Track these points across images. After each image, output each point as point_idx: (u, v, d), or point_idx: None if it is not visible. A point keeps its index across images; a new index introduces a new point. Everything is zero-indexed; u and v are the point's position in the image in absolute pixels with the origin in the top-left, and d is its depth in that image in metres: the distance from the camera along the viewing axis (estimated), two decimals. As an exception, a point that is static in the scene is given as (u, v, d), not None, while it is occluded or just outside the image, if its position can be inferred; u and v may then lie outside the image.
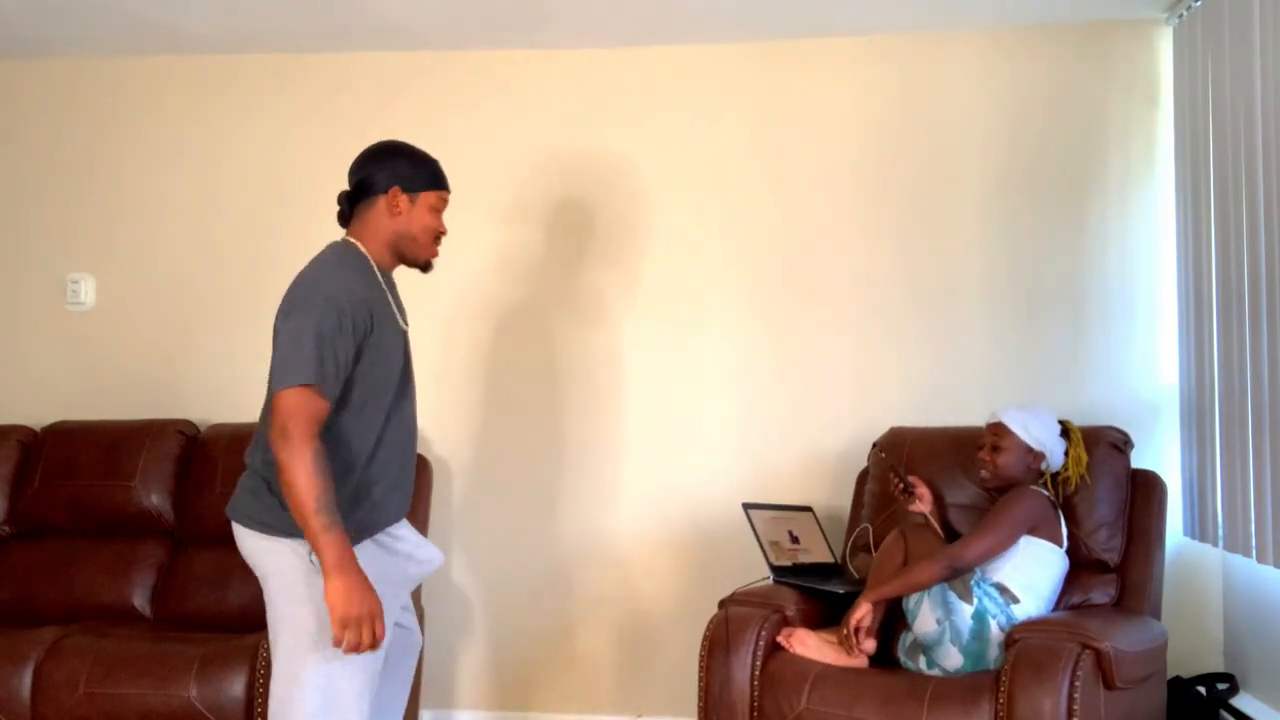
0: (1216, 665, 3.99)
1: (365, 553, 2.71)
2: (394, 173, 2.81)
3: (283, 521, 2.67)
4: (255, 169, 4.49)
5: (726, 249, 4.32)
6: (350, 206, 2.85)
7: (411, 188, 2.82)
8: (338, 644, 2.56)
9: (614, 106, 4.37)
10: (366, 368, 2.71)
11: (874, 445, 3.99)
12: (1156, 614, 3.60)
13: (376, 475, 2.77)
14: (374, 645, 2.59)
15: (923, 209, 4.22)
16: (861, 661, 3.44)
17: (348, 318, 2.66)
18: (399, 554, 2.84)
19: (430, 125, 4.42)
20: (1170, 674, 3.71)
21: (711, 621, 3.48)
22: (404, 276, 3.00)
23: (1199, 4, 3.84)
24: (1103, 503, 3.64)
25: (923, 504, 3.70)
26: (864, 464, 4.09)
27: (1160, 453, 4.02)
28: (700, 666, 3.44)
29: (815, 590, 3.64)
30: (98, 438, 4.20)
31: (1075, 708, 3.04)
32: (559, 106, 4.39)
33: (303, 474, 2.55)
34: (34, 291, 4.55)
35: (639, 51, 4.35)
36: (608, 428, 4.33)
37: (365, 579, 2.60)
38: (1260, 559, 3.43)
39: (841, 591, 3.65)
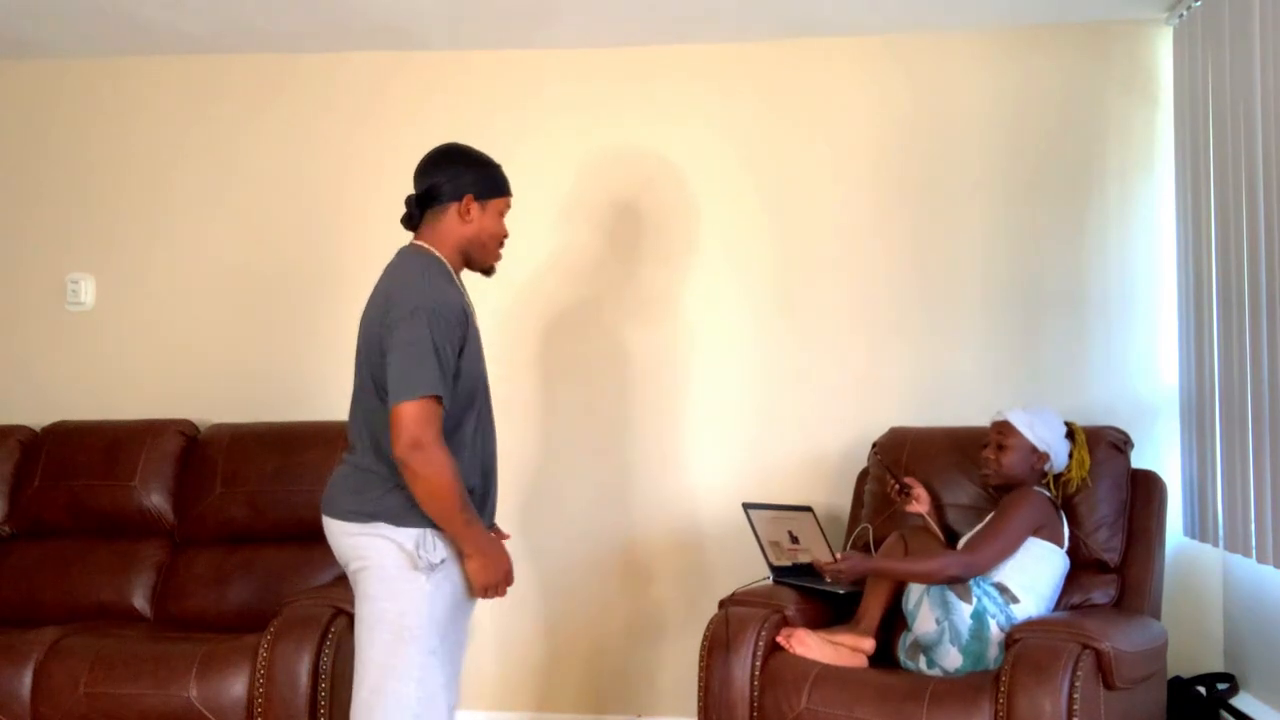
0: (1216, 665, 3.99)
1: (444, 571, 2.80)
2: (465, 180, 2.87)
3: (389, 511, 2.76)
4: (255, 168, 4.49)
5: (726, 249, 4.32)
6: (419, 211, 2.90)
7: (483, 195, 2.88)
8: (487, 595, 2.82)
9: (613, 106, 4.37)
10: (462, 373, 2.79)
11: (874, 445, 3.99)
12: (1156, 614, 3.60)
13: (475, 480, 2.86)
14: (502, 593, 2.86)
15: (923, 209, 4.23)
16: (861, 661, 3.44)
17: (453, 327, 2.74)
18: None
19: (431, 125, 4.43)
20: (1170, 674, 3.72)
21: (712, 621, 3.48)
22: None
23: (1199, 4, 3.84)
24: (1103, 503, 3.64)
25: (919, 505, 3.70)
26: (864, 464, 4.09)
27: (1160, 453, 4.02)
28: (700, 666, 3.44)
29: (815, 590, 3.64)
30: (98, 438, 4.20)
31: (1075, 708, 3.04)
32: (560, 106, 4.39)
33: (445, 479, 2.67)
34: (34, 291, 4.55)
35: (640, 51, 4.34)
36: (608, 429, 4.33)
37: (498, 546, 2.84)
38: (1260, 559, 3.44)
39: (841, 592, 3.65)
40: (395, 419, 2.66)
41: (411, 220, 2.92)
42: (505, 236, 2.94)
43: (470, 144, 2.91)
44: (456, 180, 2.86)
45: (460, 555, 2.79)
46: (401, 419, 2.66)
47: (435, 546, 2.76)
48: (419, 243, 2.89)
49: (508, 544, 2.92)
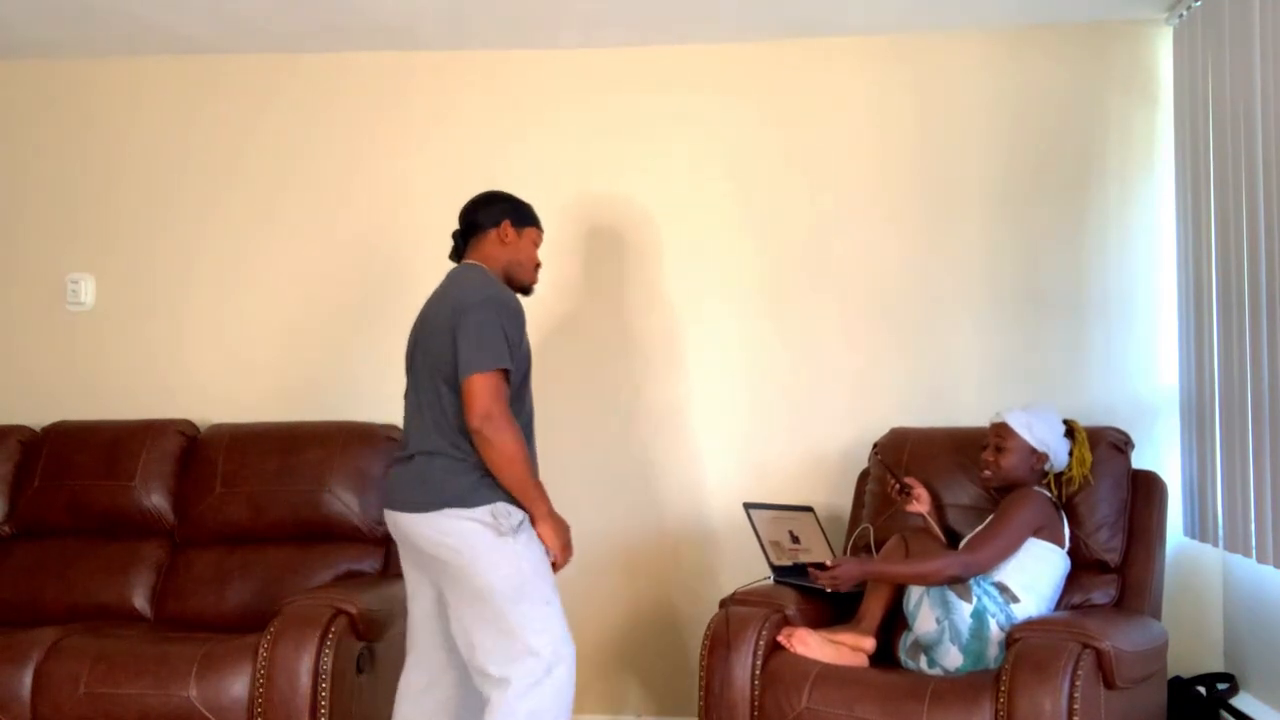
0: (1216, 665, 3.99)
1: (527, 531, 3.06)
2: (501, 211, 3.26)
3: (459, 494, 2.99)
4: (256, 168, 4.49)
5: (725, 250, 4.31)
6: (464, 241, 3.27)
7: (518, 223, 3.26)
8: (563, 564, 3.09)
9: (613, 106, 4.36)
10: (519, 364, 3.08)
11: (874, 446, 3.99)
12: (1157, 614, 3.60)
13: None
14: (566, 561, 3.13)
15: (923, 208, 4.23)
16: (862, 661, 3.44)
17: (515, 317, 3.07)
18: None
19: (431, 125, 4.44)
20: (1170, 674, 3.72)
21: (712, 621, 3.48)
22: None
23: (1199, 4, 3.84)
24: (1103, 503, 3.64)
25: (920, 505, 3.70)
26: (865, 464, 4.09)
27: (1160, 453, 4.03)
28: (701, 666, 3.44)
29: (816, 590, 3.64)
30: (98, 438, 4.20)
31: (1075, 707, 3.04)
32: (561, 107, 4.39)
33: (514, 445, 2.96)
34: (34, 291, 4.55)
35: (640, 51, 4.35)
36: (608, 428, 4.33)
37: (558, 515, 3.09)
38: (1260, 559, 3.44)
39: (842, 592, 3.65)
40: (468, 391, 2.94)
41: (457, 253, 3.28)
42: (539, 264, 3.31)
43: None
44: (495, 211, 3.25)
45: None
46: (474, 390, 2.94)
47: (510, 513, 3.00)
48: (469, 261, 3.23)
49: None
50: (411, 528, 3.06)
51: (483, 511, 2.98)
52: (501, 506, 3.00)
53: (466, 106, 4.42)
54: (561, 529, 3.08)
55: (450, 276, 3.22)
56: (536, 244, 3.30)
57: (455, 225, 4.38)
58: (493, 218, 3.24)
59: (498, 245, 3.22)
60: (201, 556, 4.07)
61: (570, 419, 4.34)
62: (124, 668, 3.48)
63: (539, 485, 3.03)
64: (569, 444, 4.34)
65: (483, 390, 2.94)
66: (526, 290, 3.28)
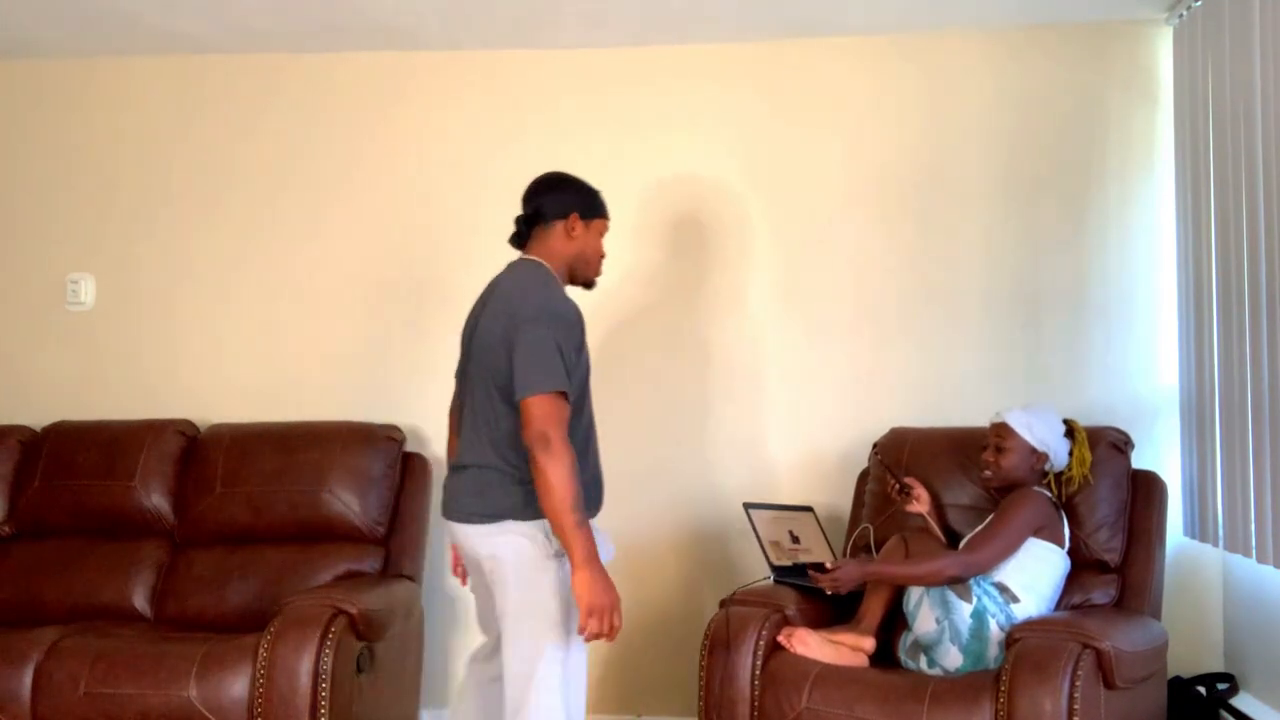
0: (1216, 665, 3.99)
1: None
2: (570, 201, 3.09)
3: (513, 507, 2.92)
4: (256, 168, 4.49)
5: (724, 249, 4.31)
6: (527, 229, 3.10)
7: (586, 215, 3.10)
8: (581, 630, 2.81)
9: (614, 107, 4.37)
10: (575, 377, 2.95)
11: (874, 446, 3.99)
12: (1157, 614, 3.60)
13: (584, 476, 2.95)
14: (612, 635, 2.84)
15: (923, 208, 4.23)
16: (862, 661, 3.44)
17: (573, 330, 2.95)
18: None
19: (431, 125, 4.44)
20: (1170, 674, 3.72)
21: (712, 621, 3.48)
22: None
23: (1199, 4, 3.84)
24: (1103, 503, 3.64)
25: (920, 505, 3.70)
26: (865, 464, 4.09)
27: (1160, 453, 4.02)
28: (701, 666, 3.44)
29: (816, 590, 3.64)
30: (98, 438, 4.20)
31: (1075, 707, 3.04)
32: (561, 106, 4.39)
33: (562, 476, 2.80)
34: (34, 291, 4.55)
35: (641, 52, 4.35)
36: (607, 428, 4.32)
37: (606, 574, 2.85)
38: (1260, 559, 3.44)
39: (842, 591, 3.65)
40: (525, 413, 2.84)
41: (520, 239, 3.12)
42: (604, 255, 3.16)
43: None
44: (563, 201, 3.08)
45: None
46: (531, 413, 2.83)
47: None
48: (529, 256, 3.08)
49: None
50: (466, 539, 3.01)
51: (532, 527, 2.92)
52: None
53: (465, 106, 4.42)
54: (599, 589, 2.81)
55: (506, 277, 3.07)
56: (603, 234, 3.14)
57: (454, 225, 4.42)
58: (560, 209, 3.06)
59: (563, 239, 3.06)
60: (201, 556, 4.07)
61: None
62: (124, 668, 3.49)
63: (579, 521, 2.82)
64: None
65: (538, 414, 2.82)
66: (590, 284, 3.15)
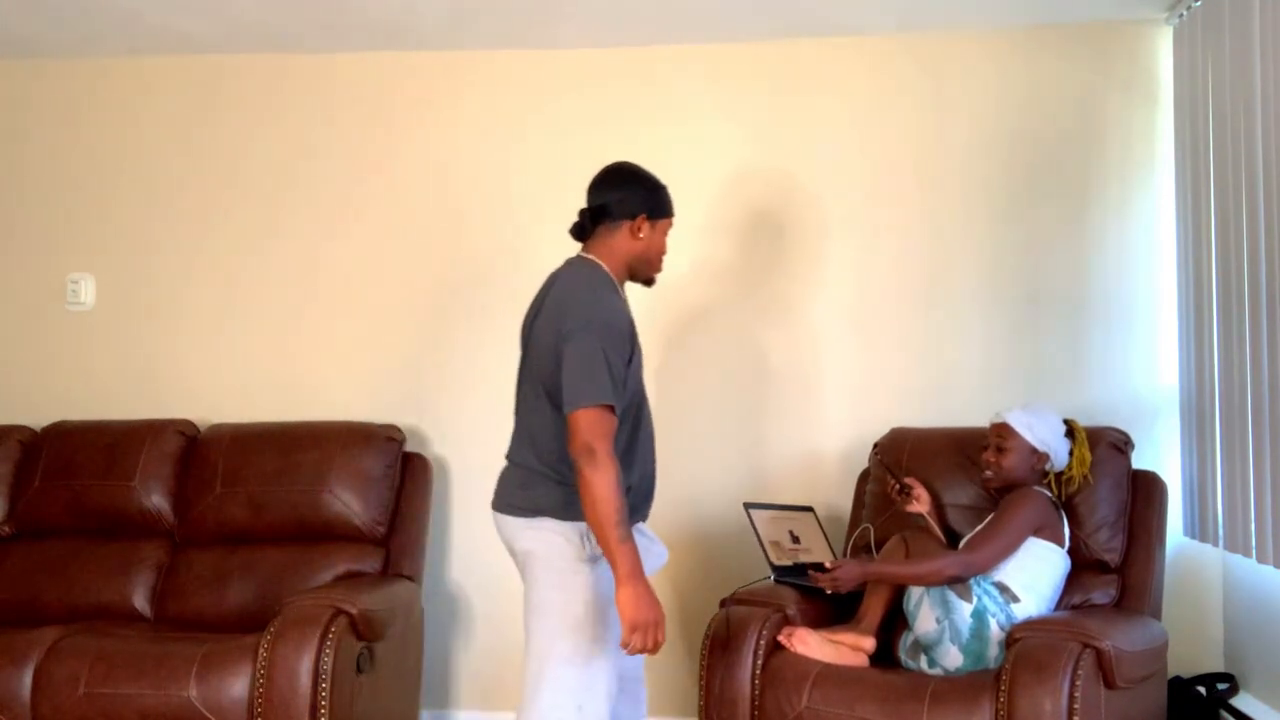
0: (1216, 665, 3.99)
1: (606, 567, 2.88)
2: (639, 201, 3.03)
3: (554, 506, 2.92)
4: (255, 168, 4.49)
5: (724, 248, 4.31)
6: (591, 223, 3.04)
7: (654, 215, 3.04)
8: (625, 645, 2.77)
9: (617, 107, 4.36)
10: (628, 383, 2.93)
11: (874, 446, 3.99)
12: (1157, 614, 3.61)
13: (632, 479, 2.97)
14: (655, 649, 2.79)
15: (923, 208, 4.23)
16: (862, 660, 3.44)
17: (624, 340, 2.91)
18: (639, 544, 3.00)
19: (431, 125, 4.44)
20: (1170, 674, 3.72)
21: (712, 621, 3.48)
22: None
23: (1199, 4, 3.85)
24: (1103, 503, 3.64)
25: (920, 505, 3.70)
26: (865, 464, 4.09)
27: (1160, 453, 4.02)
28: (701, 666, 3.44)
29: (816, 590, 3.64)
30: (98, 438, 4.20)
31: (1076, 707, 3.04)
32: (562, 107, 4.39)
33: (607, 490, 2.77)
34: (34, 291, 4.55)
35: (643, 52, 4.34)
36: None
37: (651, 589, 2.81)
38: (1260, 559, 3.44)
39: (842, 591, 3.65)
40: (572, 425, 2.81)
41: (582, 231, 3.06)
42: (665, 252, 3.10)
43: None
44: (632, 200, 3.02)
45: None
46: (577, 425, 2.80)
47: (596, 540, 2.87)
48: (587, 256, 3.04)
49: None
50: (504, 529, 3.02)
51: (571, 528, 2.91)
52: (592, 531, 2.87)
53: (465, 107, 4.42)
54: (644, 605, 2.76)
55: (562, 276, 3.03)
56: (667, 233, 3.09)
57: (452, 224, 4.42)
58: (629, 209, 3.00)
59: (629, 239, 3.01)
60: (201, 556, 4.07)
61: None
62: (124, 668, 3.48)
63: (623, 536, 2.77)
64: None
65: (585, 427, 2.80)
66: (650, 282, 3.11)
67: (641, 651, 2.79)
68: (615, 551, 2.77)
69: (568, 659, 2.87)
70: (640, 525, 3.07)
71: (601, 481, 2.77)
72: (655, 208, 3.04)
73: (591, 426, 2.79)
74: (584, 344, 2.84)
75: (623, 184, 3.04)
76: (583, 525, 2.87)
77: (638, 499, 3.01)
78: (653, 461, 3.09)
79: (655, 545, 3.11)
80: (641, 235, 3.02)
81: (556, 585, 2.91)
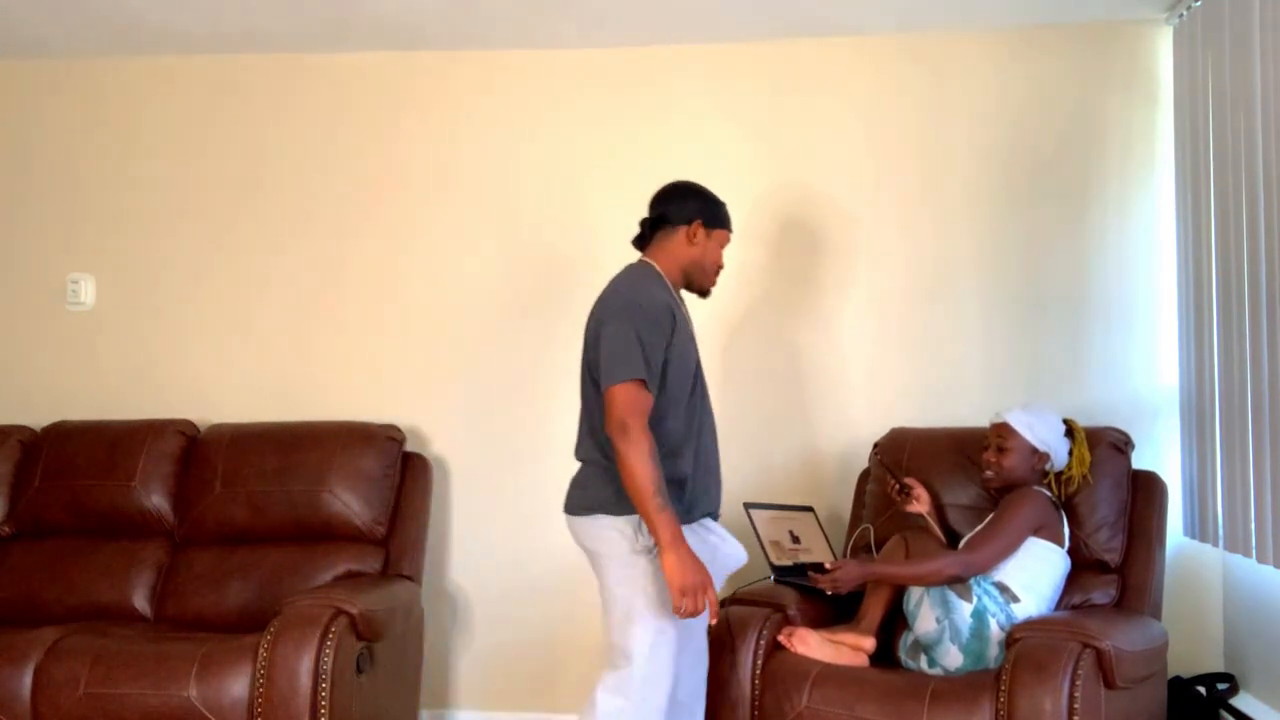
0: (1216, 665, 3.99)
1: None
2: (695, 209, 3.19)
3: (606, 502, 3.01)
4: (256, 169, 4.49)
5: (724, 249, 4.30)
6: (650, 232, 3.20)
7: (710, 224, 3.19)
8: (676, 610, 2.88)
9: (621, 106, 4.36)
10: (670, 367, 3.03)
11: (875, 446, 3.99)
12: (1157, 614, 3.61)
13: (687, 468, 3.08)
14: (702, 611, 2.90)
15: (923, 208, 4.23)
16: (862, 660, 3.44)
17: (658, 323, 3.00)
18: (708, 543, 3.12)
19: (432, 126, 4.44)
20: (1170, 674, 3.72)
21: (712, 621, 3.48)
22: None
23: (1199, 4, 3.85)
24: (1103, 503, 3.64)
25: (920, 505, 3.70)
26: (865, 464, 4.09)
27: (1160, 453, 4.02)
28: (701, 666, 3.44)
29: (816, 590, 3.63)
30: (98, 438, 4.20)
31: (1076, 707, 3.04)
32: (562, 107, 4.39)
33: (641, 462, 2.88)
34: (34, 291, 4.55)
35: (645, 52, 4.35)
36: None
37: (694, 554, 2.91)
38: (1260, 559, 3.44)
39: (842, 592, 3.64)
40: (607, 401, 2.94)
41: (642, 240, 3.22)
42: (722, 266, 3.24)
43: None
44: (688, 208, 3.18)
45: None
46: (612, 401, 2.93)
47: (648, 530, 2.95)
48: (644, 259, 3.20)
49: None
50: (571, 529, 3.13)
51: (624, 522, 3.00)
52: (644, 522, 2.96)
53: (469, 108, 4.42)
54: (687, 569, 2.88)
55: (614, 277, 3.17)
56: (724, 246, 3.24)
57: (451, 225, 4.42)
58: (684, 215, 3.16)
59: (684, 244, 3.17)
60: (201, 556, 4.07)
61: (565, 420, 4.33)
62: (124, 668, 3.48)
63: (661, 505, 2.88)
64: (565, 443, 4.34)
65: (619, 402, 2.92)
66: (704, 293, 3.24)
67: (692, 614, 2.88)
68: (655, 519, 2.88)
69: (635, 652, 2.96)
70: (710, 523, 3.15)
71: (635, 454, 2.87)
72: (711, 218, 3.18)
73: (624, 402, 2.91)
74: (617, 325, 2.97)
75: (682, 195, 3.21)
76: (636, 517, 2.97)
77: (698, 491, 3.09)
78: (715, 455, 3.17)
79: (727, 545, 3.17)
80: (696, 241, 3.16)
81: (619, 580, 3.01)
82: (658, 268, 3.16)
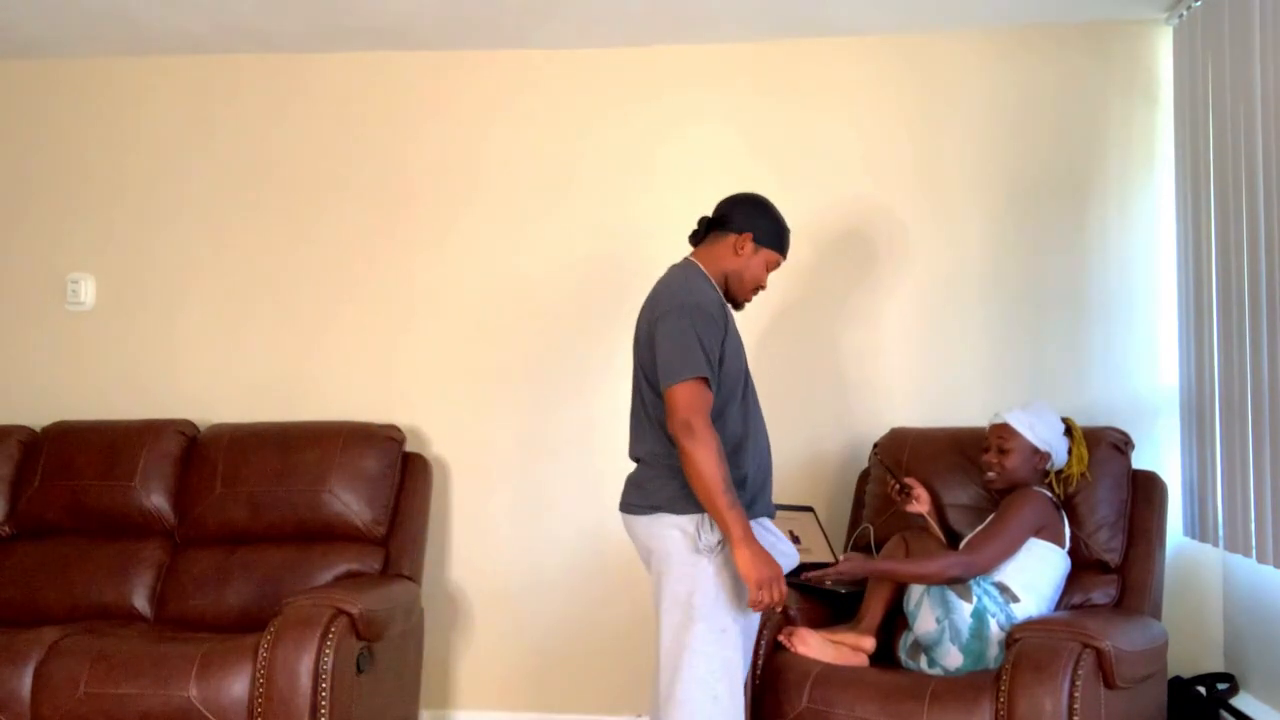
0: (1216, 665, 3.99)
1: (726, 554, 2.96)
2: (753, 222, 3.15)
3: (668, 500, 2.98)
4: (255, 168, 4.49)
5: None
6: (706, 231, 3.18)
7: (761, 240, 3.14)
8: (753, 603, 2.89)
9: (620, 106, 4.37)
10: (725, 366, 3.02)
11: (875, 446, 3.99)
12: (1157, 614, 3.61)
13: (745, 465, 3.04)
14: (780, 601, 2.91)
15: (923, 208, 4.23)
16: (862, 660, 3.44)
17: (714, 321, 2.99)
18: (765, 542, 3.06)
19: (429, 126, 4.44)
20: (1170, 674, 3.72)
21: (712, 621, 3.48)
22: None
23: (1199, 4, 3.85)
24: (1103, 503, 3.64)
25: (920, 505, 3.70)
26: (865, 465, 4.09)
27: (1160, 453, 4.03)
28: (701, 666, 3.43)
29: (816, 590, 3.64)
30: (98, 438, 4.20)
31: (1076, 707, 3.04)
32: (562, 108, 4.39)
33: (709, 459, 2.86)
34: (34, 291, 4.55)
35: (639, 51, 4.35)
36: (607, 426, 4.32)
37: (764, 548, 2.91)
38: (1260, 559, 3.44)
39: (843, 591, 3.65)
40: (669, 401, 2.92)
41: (697, 237, 3.20)
42: (763, 287, 3.20)
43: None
44: (748, 219, 3.14)
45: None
46: (675, 400, 2.91)
47: (712, 528, 2.95)
48: (690, 259, 3.17)
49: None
50: (631, 528, 3.11)
51: (687, 520, 2.97)
52: (707, 520, 2.95)
53: (464, 108, 4.42)
54: (761, 562, 2.89)
55: (663, 276, 3.15)
56: (770, 268, 3.18)
57: (451, 225, 4.42)
58: (740, 224, 3.13)
59: (729, 252, 3.13)
60: (201, 556, 4.07)
61: (566, 418, 4.34)
62: (124, 668, 3.48)
63: (731, 502, 2.88)
64: (565, 443, 4.34)
65: (682, 401, 2.90)
66: (738, 305, 3.19)
67: (769, 606, 2.90)
68: (725, 517, 2.87)
69: (699, 650, 2.93)
70: (767, 522, 3.12)
71: (702, 453, 2.86)
72: (765, 235, 3.14)
73: (688, 401, 2.89)
74: (674, 324, 2.95)
75: (745, 205, 3.18)
76: (696, 517, 2.95)
77: (755, 490, 3.06)
78: (768, 453, 3.14)
79: (782, 544, 3.14)
80: (743, 253, 3.12)
81: (680, 578, 2.97)
82: (703, 268, 3.13)
